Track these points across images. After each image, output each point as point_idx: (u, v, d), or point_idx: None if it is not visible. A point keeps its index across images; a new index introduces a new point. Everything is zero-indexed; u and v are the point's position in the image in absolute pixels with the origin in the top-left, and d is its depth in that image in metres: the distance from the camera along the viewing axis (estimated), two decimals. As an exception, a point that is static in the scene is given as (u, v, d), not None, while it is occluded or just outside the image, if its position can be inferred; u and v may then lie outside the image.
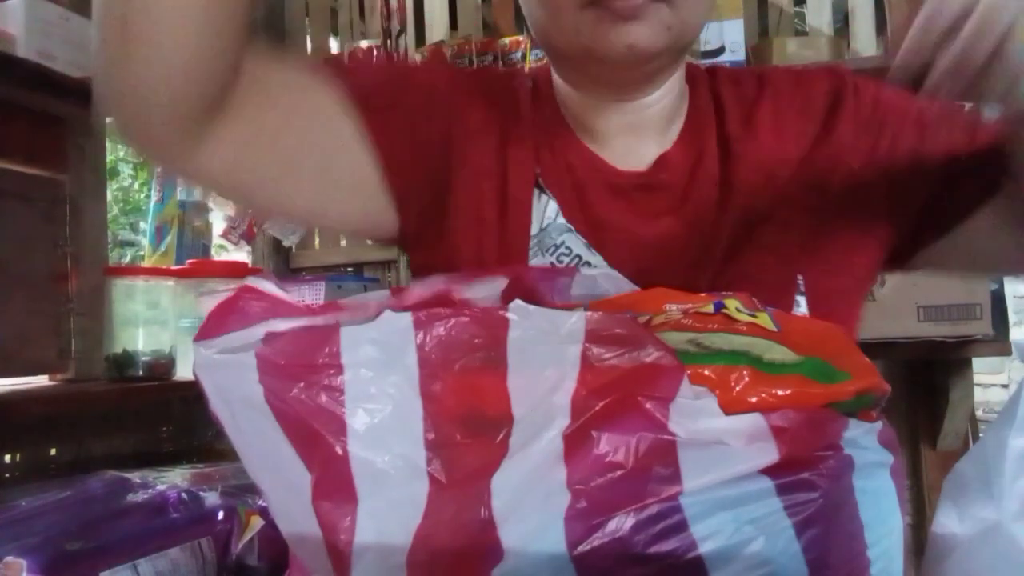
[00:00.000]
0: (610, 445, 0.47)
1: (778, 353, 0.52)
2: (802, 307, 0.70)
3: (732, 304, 0.57)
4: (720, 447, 0.46)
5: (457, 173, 0.72)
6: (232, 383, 0.53)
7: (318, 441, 0.50)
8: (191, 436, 1.62)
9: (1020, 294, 6.27)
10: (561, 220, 0.71)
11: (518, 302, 0.54)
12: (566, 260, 0.70)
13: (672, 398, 0.47)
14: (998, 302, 1.66)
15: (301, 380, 0.51)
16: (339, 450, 0.49)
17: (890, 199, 0.71)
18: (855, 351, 0.56)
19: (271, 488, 0.55)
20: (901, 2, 2.14)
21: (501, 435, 0.48)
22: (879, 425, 0.53)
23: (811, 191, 0.71)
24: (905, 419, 1.77)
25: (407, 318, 0.52)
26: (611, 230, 0.71)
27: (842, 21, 2.56)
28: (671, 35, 0.65)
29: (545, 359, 0.49)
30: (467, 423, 0.49)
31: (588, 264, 0.70)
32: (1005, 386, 5.99)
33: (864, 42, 2.18)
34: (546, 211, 0.71)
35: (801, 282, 0.70)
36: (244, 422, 0.53)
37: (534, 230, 0.71)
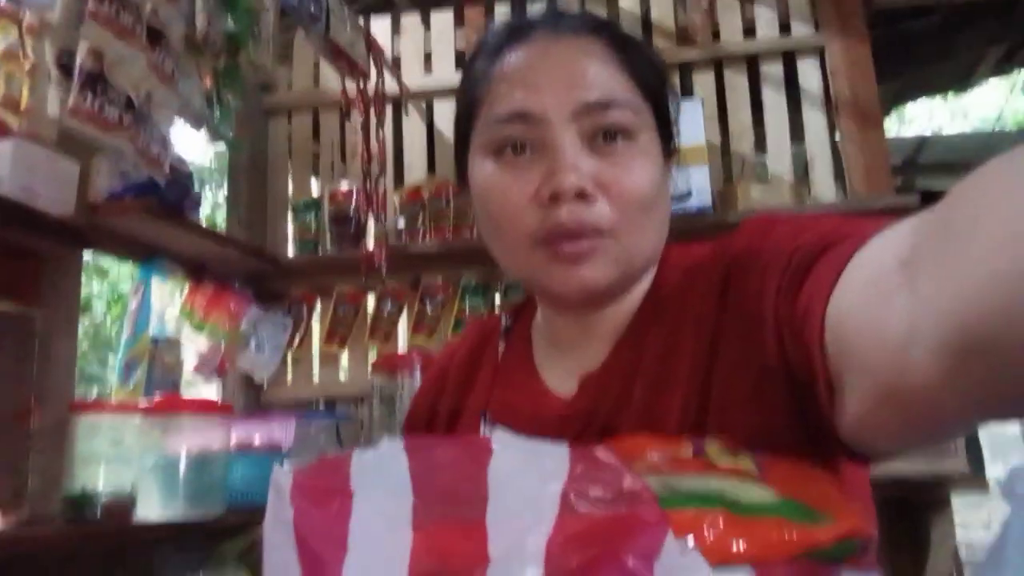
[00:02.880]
0: None
1: (755, 494, 0.50)
2: None
3: (712, 448, 0.55)
4: None
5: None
6: (276, 502, 0.53)
7: (323, 572, 0.49)
8: (147, 583, 1.54)
9: (993, 430, 6.28)
10: None
11: (500, 432, 0.52)
12: None
13: (657, 555, 0.44)
14: (972, 439, 1.67)
15: (317, 504, 0.51)
16: None
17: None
18: (839, 494, 0.54)
19: None
20: (856, 152, 2.27)
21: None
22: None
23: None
24: (888, 560, 1.73)
25: (400, 445, 0.52)
26: None
27: (802, 169, 2.69)
28: (619, 267, 0.68)
29: (524, 495, 0.48)
30: (448, 559, 0.47)
31: None
32: (987, 526, 5.90)
33: (824, 188, 2.29)
34: None
35: None
36: (273, 546, 0.53)
37: None
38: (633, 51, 0.72)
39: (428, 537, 0.48)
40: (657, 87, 0.73)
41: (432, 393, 0.87)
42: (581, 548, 0.45)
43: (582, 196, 0.66)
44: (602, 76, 0.68)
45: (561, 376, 0.76)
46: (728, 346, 0.64)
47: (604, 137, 0.68)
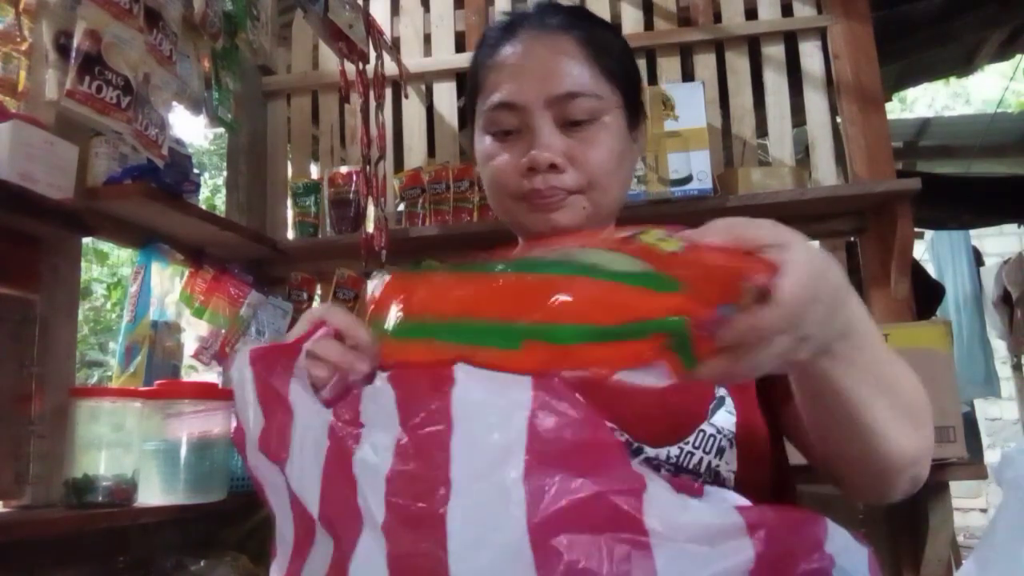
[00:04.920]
0: (583, 552, 0.44)
1: (620, 264, 0.52)
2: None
3: (647, 234, 0.55)
4: (695, 547, 0.44)
5: None
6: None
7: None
8: (149, 567, 1.54)
9: (992, 416, 6.31)
10: None
11: (462, 364, 0.54)
12: None
13: (643, 489, 0.46)
14: (971, 425, 1.67)
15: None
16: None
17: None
18: (734, 286, 0.50)
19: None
20: (858, 135, 2.26)
21: (440, 505, 0.48)
22: (866, 549, 0.52)
23: None
24: (887, 546, 1.74)
25: (385, 377, 0.58)
26: None
27: (803, 152, 2.68)
28: (587, 214, 0.88)
29: (489, 424, 0.50)
30: (416, 483, 0.50)
31: None
32: (984, 510, 5.93)
33: (825, 172, 2.28)
34: None
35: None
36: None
37: None
38: (601, 46, 0.89)
39: (403, 463, 0.51)
40: (623, 74, 0.91)
41: None
42: (557, 471, 0.47)
43: (553, 167, 0.86)
44: (571, 71, 0.87)
45: None
46: None
47: (573, 120, 0.87)
